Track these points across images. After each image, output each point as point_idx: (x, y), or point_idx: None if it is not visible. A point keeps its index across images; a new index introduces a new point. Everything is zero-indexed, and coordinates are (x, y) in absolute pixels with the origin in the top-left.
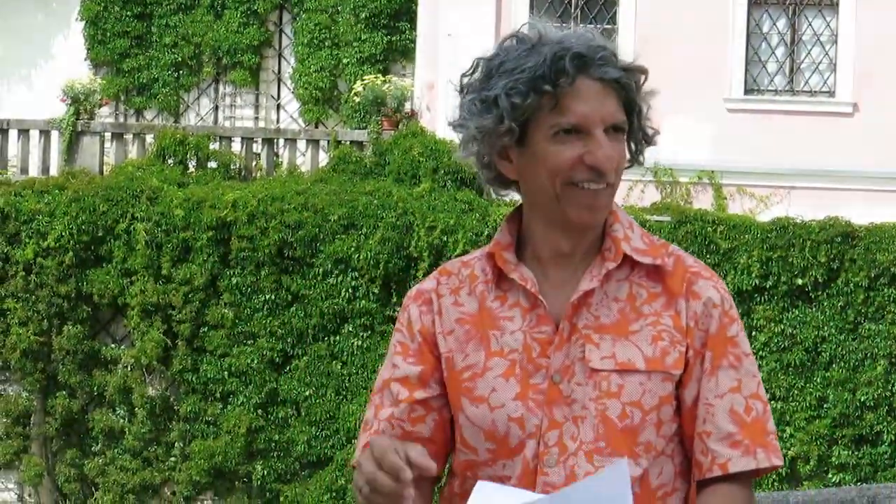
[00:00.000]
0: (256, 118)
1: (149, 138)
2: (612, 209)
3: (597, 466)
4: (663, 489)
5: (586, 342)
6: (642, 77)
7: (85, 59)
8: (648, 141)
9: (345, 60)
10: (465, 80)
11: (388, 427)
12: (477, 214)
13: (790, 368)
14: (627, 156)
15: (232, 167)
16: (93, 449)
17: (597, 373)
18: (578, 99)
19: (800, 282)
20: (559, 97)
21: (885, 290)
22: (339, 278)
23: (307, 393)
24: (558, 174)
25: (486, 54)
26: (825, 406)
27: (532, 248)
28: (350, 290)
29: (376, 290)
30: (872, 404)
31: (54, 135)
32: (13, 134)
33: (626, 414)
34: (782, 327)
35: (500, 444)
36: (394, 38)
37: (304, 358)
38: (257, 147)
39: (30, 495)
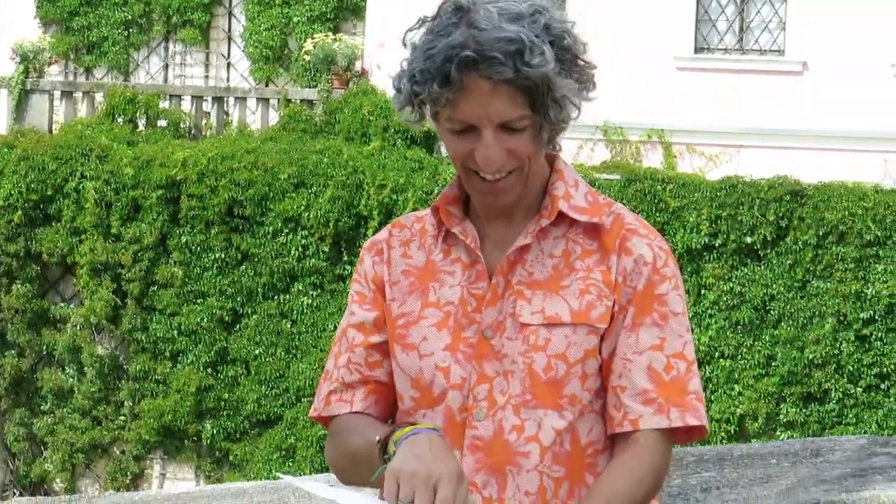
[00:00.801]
0: (206, 77)
1: (98, 97)
2: (558, 167)
3: (523, 419)
4: (593, 447)
5: (518, 298)
6: (552, 71)
7: (34, 18)
8: (558, 130)
9: (295, 19)
10: (409, 35)
11: (347, 372)
12: (427, 173)
13: (739, 326)
14: (541, 141)
15: (182, 126)
16: (42, 408)
17: (526, 327)
18: (467, 98)
19: (749, 240)
20: (451, 95)
21: (834, 248)
22: (289, 237)
23: (257, 352)
24: (457, 161)
25: (427, 16)
26: (773, 364)
27: (473, 205)
28: (300, 249)
29: (326, 249)
30: (820, 362)
31: (3, 93)
32: None
33: (551, 366)
34: (731, 285)
35: (423, 392)
36: None
37: (254, 317)
38: (207, 106)
39: None
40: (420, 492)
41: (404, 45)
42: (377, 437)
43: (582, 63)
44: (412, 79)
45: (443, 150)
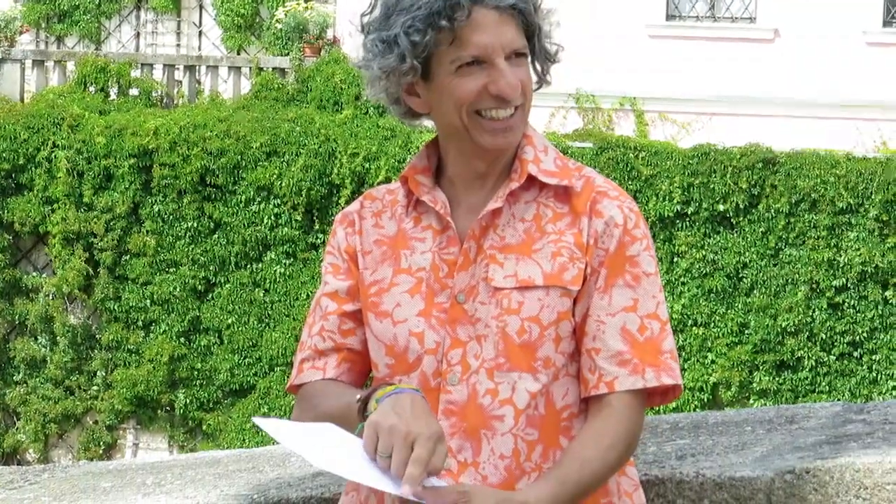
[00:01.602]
0: (178, 45)
1: (70, 66)
2: (527, 133)
3: (497, 382)
4: (569, 410)
5: (491, 262)
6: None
7: None
8: (552, 59)
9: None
10: (365, 19)
11: (320, 340)
12: (399, 141)
13: (712, 294)
14: (535, 77)
15: (153, 94)
16: (14, 378)
17: (499, 291)
18: (476, 30)
19: (721, 208)
20: (457, 31)
21: (806, 216)
22: (262, 205)
23: (230, 321)
24: (464, 105)
25: None
26: (746, 332)
27: (448, 172)
28: (272, 218)
29: (299, 218)
30: (793, 330)
31: None
32: None
33: (525, 329)
34: (704, 253)
35: (398, 359)
36: None
37: (227, 286)
38: (179, 74)
39: None
40: (398, 447)
41: (361, 29)
42: (357, 396)
43: (545, 12)
44: (410, 29)
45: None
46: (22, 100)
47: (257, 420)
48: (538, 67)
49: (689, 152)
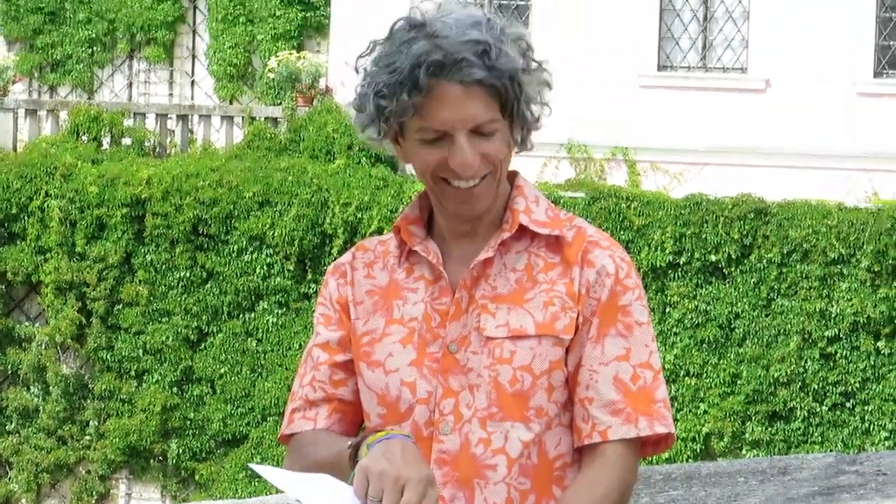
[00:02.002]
0: (171, 95)
1: (63, 115)
2: (518, 184)
3: (489, 432)
4: (562, 460)
5: (482, 312)
6: (519, 69)
7: None
8: (530, 129)
9: (259, 37)
10: (360, 61)
11: (311, 390)
12: (391, 190)
13: (704, 345)
14: (515, 142)
15: (146, 144)
16: (7, 428)
17: (491, 340)
18: (440, 105)
19: (713, 258)
20: (420, 103)
21: (798, 266)
22: (254, 255)
23: (222, 370)
24: (427, 172)
25: (378, 39)
26: (738, 382)
27: (438, 224)
28: (265, 267)
29: (291, 267)
30: (785, 380)
31: None
32: None
33: (517, 378)
34: (696, 303)
35: (390, 408)
36: (308, 14)
37: (220, 335)
38: (172, 124)
39: None
40: (388, 491)
41: (356, 70)
42: (349, 443)
43: (537, 63)
44: (378, 94)
45: (407, 168)
46: (15, 149)
47: (253, 466)
48: (517, 135)
49: (681, 202)
